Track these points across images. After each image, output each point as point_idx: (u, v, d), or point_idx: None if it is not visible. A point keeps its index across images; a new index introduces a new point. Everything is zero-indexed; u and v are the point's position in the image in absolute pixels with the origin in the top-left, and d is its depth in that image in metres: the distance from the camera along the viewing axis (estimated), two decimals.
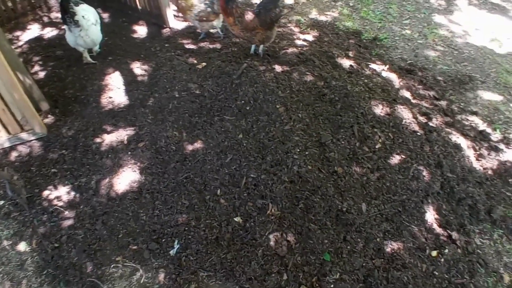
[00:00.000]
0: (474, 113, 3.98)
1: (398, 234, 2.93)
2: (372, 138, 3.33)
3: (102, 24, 4.25)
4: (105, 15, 5.24)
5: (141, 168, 3.24)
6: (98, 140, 3.43)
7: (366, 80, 3.85)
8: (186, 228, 2.91)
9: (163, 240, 2.88)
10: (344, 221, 2.92)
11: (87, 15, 3.88)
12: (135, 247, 2.85)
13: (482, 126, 3.84)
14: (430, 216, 3.05)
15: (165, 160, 3.27)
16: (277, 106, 3.42)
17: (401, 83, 4.11)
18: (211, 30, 4.68)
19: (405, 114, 3.55)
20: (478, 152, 3.55)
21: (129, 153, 3.33)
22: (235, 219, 2.94)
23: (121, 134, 3.46)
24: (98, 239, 2.90)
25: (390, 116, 3.49)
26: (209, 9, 4.26)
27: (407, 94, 3.97)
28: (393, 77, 4.15)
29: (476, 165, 3.44)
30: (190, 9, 4.24)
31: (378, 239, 2.88)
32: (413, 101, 3.91)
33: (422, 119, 3.66)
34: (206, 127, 3.40)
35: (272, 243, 2.81)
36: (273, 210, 2.95)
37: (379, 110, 3.54)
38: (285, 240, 2.84)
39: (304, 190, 3.01)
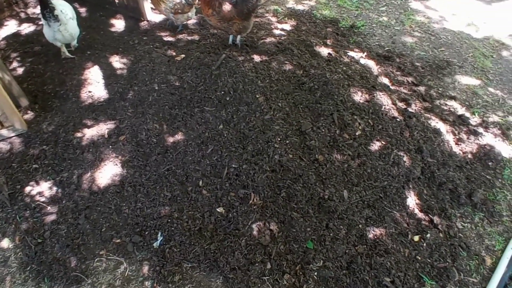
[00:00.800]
0: (453, 98, 4.01)
1: (380, 220, 2.94)
2: (352, 125, 3.32)
3: (79, 18, 4.16)
4: (82, 10, 5.12)
5: (123, 162, 3.19)
6: (78, 134, 3.37)
7: (344, 68, 3.84)
8: (169, 220, 2.88)
9: (147, 232, 2.86)
10: (326, 208, 2.92)
11: (65, 9, 3.81)
12: (118, 241, 2.82)
13: (460, 110, 3.88)
14: (412, 201, 3.06)
15: (146, 152, 3.22)
16: (257, 96, 3.39)
17: (379, 70, 4.11)
18: (188, 22, 4.61)
19: (384, 100, 3.56)
20: (457, 137, 3.57)
21: (110, 146, 3.27)
22: (218, 209, 2.92)
23: (102, 128, 3.40)
24: (81, 233, 2.86)
25: (370, 103, 3.49)
26: (183, 1, 4.20)
27: (385, 80, 3.98)
28: (371, 64, 4.15)
29: (456, 149, 3.47)
30: (164, 1, 4.16)
31: (360, 226, 2.89)
32: (392, 87, 3.92)
33: (401, 105, 3.67)
34: (187, 119, 3.35)
35: (255, 232, 2.80)
36: (255, 200, 2.94)
37: (359, 97, 3.54)
38: (268, 229, 2.83)
39: (286, 179, 2.99)
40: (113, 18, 4.98)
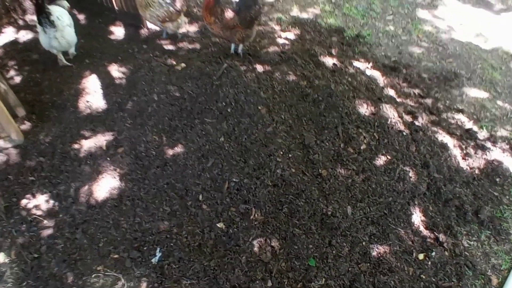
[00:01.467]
0: (460, 111, 3.98)
1: (384, 237, 2.91)
2: (357, 139, 3.30)
3: (77, 25, 4.17)
4: (81, 17, 5.12)
5: (121, 175, 3.16)
6: (76, 146, 3.34)
7: (350, 79, 3.81)
8: (168, 236, 2.85)
9: (145, 248, 2.82)
10: (329, 225, 2.90)
11: (62, 15, 3.79)
12: (116, 256, 2.78)
13: (468, 124, 3.84)
14: (417, 218, 3.04)
15: (145, 165, 3.20)
16: (259, 108, 3.37)
17: (385, 81, 4.08)
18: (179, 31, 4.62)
19: (390, 113, 3.53)
20: (464, 151, 3.54)
21: (108, 159, 3.24)
22: (218, 225, 2.89)
23: (100, 140, 3.37)
24: (78, 248, 2.82)
25: (375, 115, 3.47)
26: (170, 8, 4.17)
27: (391, 92, 3.94)
28: (377, 75, 4.12)
29: (463, 164, 3.44)
30: (149, 7, 4.15)
31: (364, 243, 2.86)
32: (398, 99, 3.89)
33: (407, 118, 3.64)
34: (187, 131, 3.33)
35: (256, 249, 2.76)
36: (256, 215, 2.91)
37: (364, 109, 3.51)
38: (269, 245, 2.81)
39: (288, 194, 2.97)
40: (112, 25, 4.98)
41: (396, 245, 2.87)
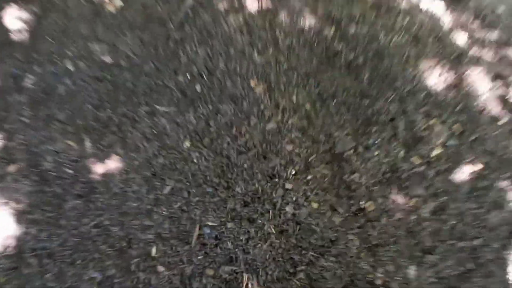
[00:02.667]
0: None
1: None
2: (427, 139, 2.03)
3: None
4: None
5: (18, 212, 2.03)
6: None
7: (405, 22, 2.40)
8: None
9: None
10: None
11: None
12: None
13: None
14: None
15: (57, 194, 2.05)
16: (252, 83, 2.21)
17: (451, 20, 2.59)
18: None
19: (479, 84, 2.18)
20: None
21: None
22: None
23: None
24: None
25: (456, 90, 2.12)
26: None
27: (465, 38, 2.47)
28: (439, 9, 2.61)
29: None
30: None
31: None
32: (475, 53, 2.46)
33: (502, 90, 2.28)
34: (126, 129, 2.17)
35: None
36: (250, 286, 1.88)
37: (436, 80, 2.20)
38: None
39: (306, 249, 1.94)
40: None
41: None
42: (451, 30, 2.58)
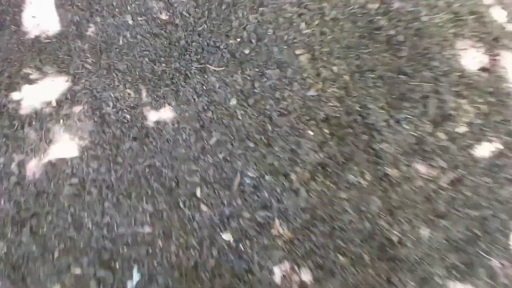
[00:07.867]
0: None
1: (469, 273, 2.13)
2: (454, 117, 2.20)
3: None
4: None
5: (81, 148, 2.25)
6: (16, 96, 2.31)
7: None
8: (150, 250, 2.10)
9: (117, 264, 2.08)
10: (391, 254, 2.08)
11: None
12: (78, 272, 2.06)
13: None
14: None
15: (115, 135, 2.26)
16: (297, 52, 2.29)
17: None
18: None
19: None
20: None
21: (61, 122, 2.29)
22: (223, 236, 2.12)
23: (48, 88, 2.34)
24: (26, 257, 2.10)
25: (489, 72, 2.23)
26: None
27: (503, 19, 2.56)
28: None
29: None
30: None
31: (439, 280, 2.08)
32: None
33: None
34: (178, 83, 2.30)
35: (277, 279, 2.04)
36: (280, 230, 2.11)
37: (470, 61, 2.28)
38: (297, 276, 2.06)
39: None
40: None
41: (485, 284, 2.09)
42: (491, 11, 2.67)
